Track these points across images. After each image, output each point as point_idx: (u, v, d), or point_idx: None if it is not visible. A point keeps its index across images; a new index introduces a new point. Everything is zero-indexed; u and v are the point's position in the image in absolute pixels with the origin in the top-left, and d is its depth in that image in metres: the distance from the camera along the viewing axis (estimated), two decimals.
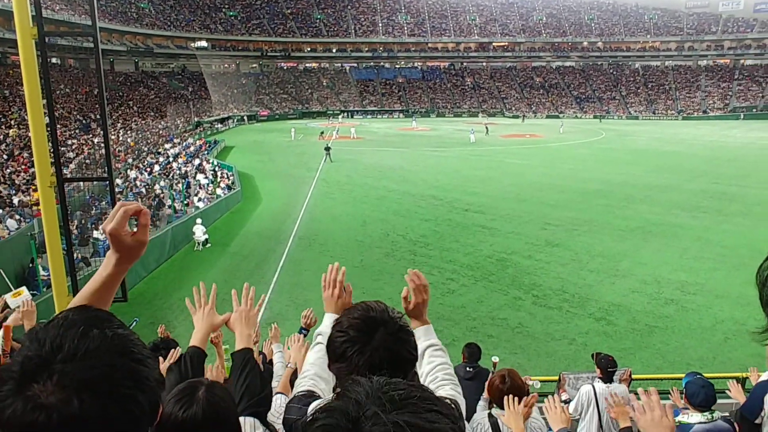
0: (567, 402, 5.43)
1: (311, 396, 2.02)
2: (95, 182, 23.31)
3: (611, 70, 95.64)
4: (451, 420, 0.78)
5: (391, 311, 1.67)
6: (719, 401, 6.56)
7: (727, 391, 4.13)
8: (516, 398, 3.40)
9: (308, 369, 2.15)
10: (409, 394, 0.78)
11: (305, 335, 3.88)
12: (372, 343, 1.56)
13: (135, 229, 1.51)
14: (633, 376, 7.15)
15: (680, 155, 40.05)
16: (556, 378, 6.97)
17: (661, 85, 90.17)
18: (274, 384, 3.51)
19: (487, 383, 4.22)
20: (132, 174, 29.46)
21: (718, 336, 12.00)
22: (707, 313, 13.18)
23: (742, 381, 7.40)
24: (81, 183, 22.68)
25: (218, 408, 1.96)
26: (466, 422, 2.91)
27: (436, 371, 1.99)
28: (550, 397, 3.42)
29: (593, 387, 5.11)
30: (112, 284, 1.51)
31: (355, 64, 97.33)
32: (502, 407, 4.03)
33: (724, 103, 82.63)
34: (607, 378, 5.23)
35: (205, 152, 41.35)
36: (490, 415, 4.07)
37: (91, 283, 1.49)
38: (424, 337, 2.10)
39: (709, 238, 18.97)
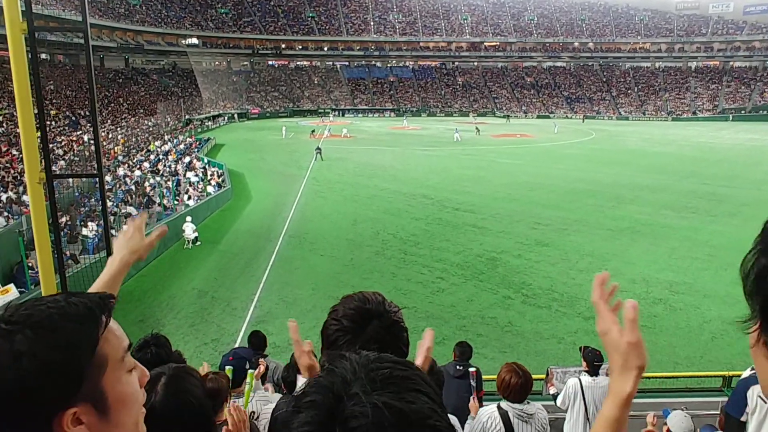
0: (555, 395, 5.48)
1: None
2: (84, 179, 23.09)
3: (602, 71, 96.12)
4: (431, 398, 0.82)
5: (388, 304, 1.65)
6: (704, 399, 6.62)
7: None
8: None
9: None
10: (392, 373, 0.82)
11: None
12: (364, 335, 1.56)
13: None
14: None
15: (670, 156, 40.32)
16: (544, 375, 7.02)
17: (651, 86, 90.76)
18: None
19: (497, 382, 4.22)
20: (121, 171, 29.26)
21: (706, 335, 12.10)
22: (695, 312, 13.29)
23: (728, 379, 7.50)
24: (70, 180, 22.45)
25: (179, 398, 1.92)
26: (455, 418, 2.93)
27: None
28: None
29: (579, 380, 5.15)
30: (119, 279, 1.75)
31: (347, 63, 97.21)
32: (514, 401, 4.05)
33: (713, 105, 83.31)
34: (593, 371, 5.27)
35: (196, 150, 41.14)
36: (499, 407, 4.07)
37: (98, 282, 1.67)
38: None
39: (697, 238, 19.12)
